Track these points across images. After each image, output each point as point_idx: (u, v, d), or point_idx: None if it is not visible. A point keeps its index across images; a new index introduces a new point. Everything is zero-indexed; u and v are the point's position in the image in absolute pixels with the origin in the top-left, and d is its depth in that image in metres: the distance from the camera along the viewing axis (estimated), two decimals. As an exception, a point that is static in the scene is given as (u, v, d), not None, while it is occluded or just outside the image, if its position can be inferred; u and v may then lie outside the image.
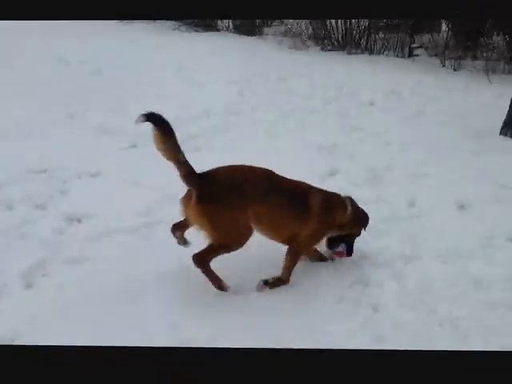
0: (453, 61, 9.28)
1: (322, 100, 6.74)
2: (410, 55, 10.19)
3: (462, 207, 3.97)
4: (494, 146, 5.18)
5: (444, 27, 10.68)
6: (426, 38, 10.40)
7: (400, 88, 7.35)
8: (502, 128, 5.58)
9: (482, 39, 9.83)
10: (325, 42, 10.74)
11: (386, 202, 3.99)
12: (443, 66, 9.44)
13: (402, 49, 10.29)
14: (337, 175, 4.47)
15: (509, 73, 8.93)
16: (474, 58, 9.68)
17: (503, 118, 5.60)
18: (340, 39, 10.66)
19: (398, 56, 10.21)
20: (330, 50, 10.52)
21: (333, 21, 10.48)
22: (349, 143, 5.26)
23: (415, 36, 10.54)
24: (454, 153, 5.01)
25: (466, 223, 3.72)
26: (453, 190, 4.17)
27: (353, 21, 10.43)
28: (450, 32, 10.05)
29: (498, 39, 9.91)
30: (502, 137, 5.55)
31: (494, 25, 9.79)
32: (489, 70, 8.40)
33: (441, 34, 10.62)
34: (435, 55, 9.85)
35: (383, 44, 10.40)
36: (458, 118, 6.11)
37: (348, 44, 10.52)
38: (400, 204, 3.98)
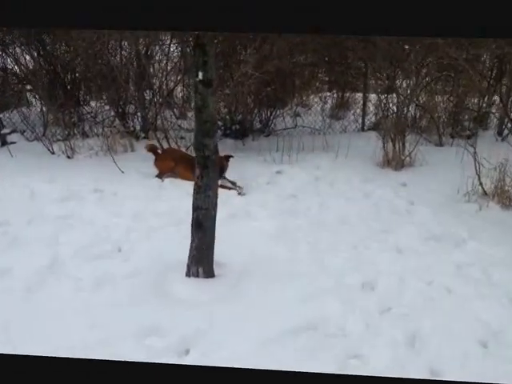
0: (62, 144, 7.08)
1: None
2: (3, 144, 7.49)
3: None
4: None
5: (34, 101, 8.47)
6: (17, 117, 7.99)
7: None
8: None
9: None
10: None
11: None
12: (52, 152, 7.10)
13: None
14: None
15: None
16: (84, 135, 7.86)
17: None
18: None
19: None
20: None
21: None
22: None
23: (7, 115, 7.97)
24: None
25: None
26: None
27: None
28: (43, 106, 7.94)
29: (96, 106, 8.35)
30: None
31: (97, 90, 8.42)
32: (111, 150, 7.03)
33: (33, 109, 8.36)
34: (36, 139, 7.50)
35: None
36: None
37: None
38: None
